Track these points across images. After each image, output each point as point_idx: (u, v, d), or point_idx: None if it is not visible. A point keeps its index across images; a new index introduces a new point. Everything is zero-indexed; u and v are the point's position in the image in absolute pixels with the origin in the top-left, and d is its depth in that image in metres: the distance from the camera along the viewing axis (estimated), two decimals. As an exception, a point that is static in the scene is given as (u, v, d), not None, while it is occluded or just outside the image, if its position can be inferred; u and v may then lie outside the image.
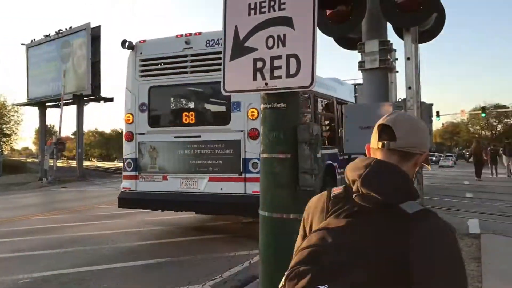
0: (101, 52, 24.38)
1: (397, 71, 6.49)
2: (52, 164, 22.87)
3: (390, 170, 1.38)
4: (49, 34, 25.84)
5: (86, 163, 43.60)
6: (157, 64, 8.27)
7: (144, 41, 8.33)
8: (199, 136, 7.79)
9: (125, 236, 8.47)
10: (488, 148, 29.65)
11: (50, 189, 19.76)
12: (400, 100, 6.14)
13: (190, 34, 7.96)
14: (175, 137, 7.98)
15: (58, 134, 25.16)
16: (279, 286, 1.38)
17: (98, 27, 24.31)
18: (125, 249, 7.47)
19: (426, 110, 6.18)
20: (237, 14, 3.16)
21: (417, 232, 1.25)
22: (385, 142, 1.44)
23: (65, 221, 10.36)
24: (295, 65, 2.93)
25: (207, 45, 7.76)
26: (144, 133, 8.23)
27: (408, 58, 5.62)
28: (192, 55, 7.91)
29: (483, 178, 21.08)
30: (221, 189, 7.60)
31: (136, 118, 8.22)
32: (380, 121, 1.49)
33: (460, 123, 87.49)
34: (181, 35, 8.00)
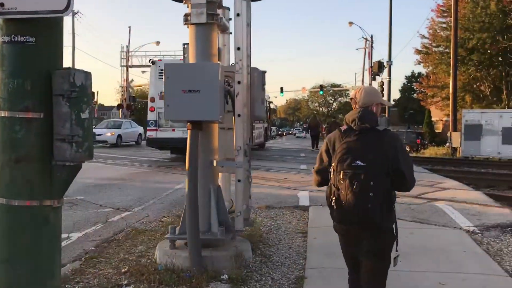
0: None
1: (231, 33, 5.83)
2: None
3: (369, 113, 3.01)
4: None
5: None
6: None
7: (160, 59, 17.42)
8: None
9: None
10: (325, 125, 32.24)
11: None
12: (232, 64, 5.48)
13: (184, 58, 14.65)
14: None
15: None
16: (331, 169, 2.91)
17: None
18: None
19: (258, 77, 5.63)
20: None
21: (387, 137, 2.91)
22: (355, 103, 3.13)
23: None
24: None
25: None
26: (161, 107, 13.32)
27: (238, 14, 4.92)
28: None
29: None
30: None
31: (156, 99, 15.17)
32: (351, 95, 3.24)
33: (301, 99, 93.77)
34: (182, 58, 15.06)
